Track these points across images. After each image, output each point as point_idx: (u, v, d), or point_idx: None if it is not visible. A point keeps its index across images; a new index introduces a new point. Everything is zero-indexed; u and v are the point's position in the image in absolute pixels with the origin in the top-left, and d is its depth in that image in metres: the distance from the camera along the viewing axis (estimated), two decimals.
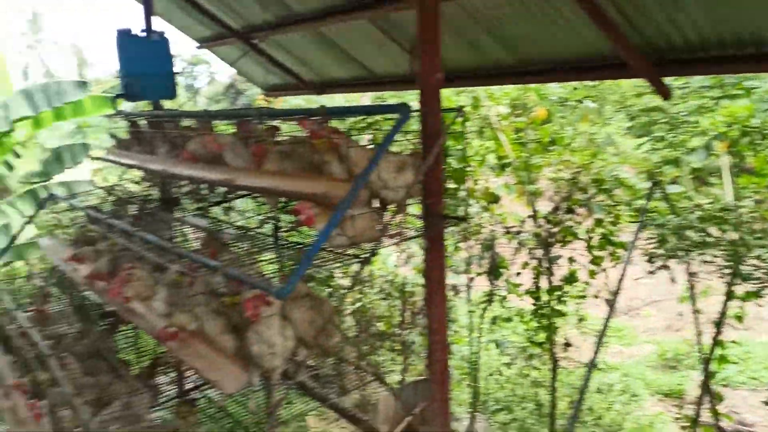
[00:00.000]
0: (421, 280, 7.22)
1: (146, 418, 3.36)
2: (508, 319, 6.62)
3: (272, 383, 2.74)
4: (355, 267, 3.85)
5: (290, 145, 3.26)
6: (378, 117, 5.60)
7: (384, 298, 7.62)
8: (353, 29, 5.26)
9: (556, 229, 5.66)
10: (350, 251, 2.97)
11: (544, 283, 5.83)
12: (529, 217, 5.87)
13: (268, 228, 4.18)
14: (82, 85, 9.28)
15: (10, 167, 9.88)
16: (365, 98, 14.68)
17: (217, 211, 4.61)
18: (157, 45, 4.83)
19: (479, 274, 6.18)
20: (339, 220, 2.47)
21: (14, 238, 5.98)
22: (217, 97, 28.50)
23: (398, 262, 7.70)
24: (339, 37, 5.56)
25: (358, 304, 5.52)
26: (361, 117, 5.80)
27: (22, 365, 4.24)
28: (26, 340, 4.06)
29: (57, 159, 9.96)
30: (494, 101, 6.32)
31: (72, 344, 4.14)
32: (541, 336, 6.08)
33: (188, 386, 3.82)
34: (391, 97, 9.80)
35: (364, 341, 3.32)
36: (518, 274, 5.96)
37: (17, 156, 9.93)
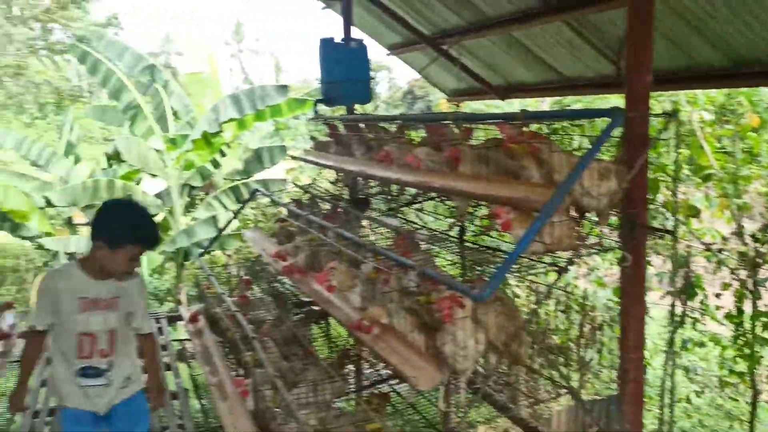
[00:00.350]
0: (603, 294, 6.90)
1: (334, 406, 3.55)
2: (701, 344, 6.11)
3: (461, 385, 2.76)
4: (546, 276, 3.77)
5: (485, 148, 3.27)
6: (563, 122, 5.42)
7: (562, 311, 7.38)
8: (545, 32, 5.15)
9: (765, 249, 5.13)
10: (545, 259, 2.91)
11: (747, 308, 5.30)
12: (733, 233, 5.37)
13: (453, 231, 4.22)
14: (283, 89, 10.03)
15: (217, 165, 10.94)
16: (544, 104, 14.34)
17: (407, 211, 4.75)
18: (357, 52, 5.09)
19: (669, 292, 5.77)
20: (540, 227, 2.43)
21: (222, 229, 6.63)
22: (396, 102, 29.39)
23: (577, 273, 7.42)
24: (529, 40, 5.48)
25: (537, 314, 5.38)
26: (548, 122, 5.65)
27: (228, 345, 4.68)
28: (232, 323, 4.47)
29: (257, 159, 10.86)
30: (696, 106, 5.86)
31: (270, 330, 4.47)
32: (742, 365, 5.53)
33: (374, 379, 3.97)
34: (574, 102, 9.48)
35: (544, 353, 3.24)
36: (718, 295, 5.48)
37: (223, 155, 10.97)
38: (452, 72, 6.97)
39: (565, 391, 2.97)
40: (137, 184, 10.78)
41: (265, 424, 3.51)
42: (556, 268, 2.78)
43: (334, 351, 4.56)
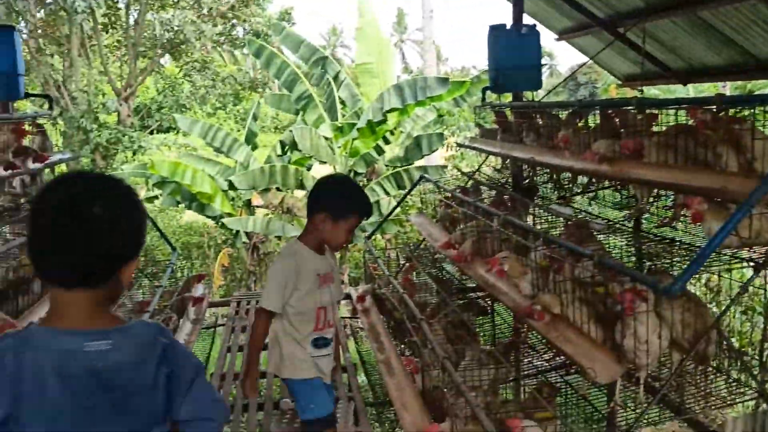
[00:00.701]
0: None
1: (498, 392, 3.57)
2: None
3: (640, 381, 2.66)
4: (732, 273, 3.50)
5: (670, 135, 3.10)
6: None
7: (743, 312, 6.79)
8: (738, 11, 4.74)
9: None
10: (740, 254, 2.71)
11: None
12: None
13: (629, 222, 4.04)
14: (444, 81, 10.17)
15: (380, 152, 11.31)
16: (725, 89, 13.22)
17: (580, 200, 4.63)
18: (528, 38, 5.01)
19: None
20: (739, 219, 2.27)
21: (389, 214, 6.88)
22: (558, 89, 28.40)
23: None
24: (719, 20, 5.06)
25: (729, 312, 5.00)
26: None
27: (393, 325, 4.86)
28: (399, 304, 4.62)
29: (417, 146, 11.07)
30: None
31: (434, 313, 4.57)
32: None
33: (540, 369, 3.93)
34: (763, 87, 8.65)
35: (732, 354, 3.00)
36: None
37: (387, 142, 11.31)
38: (626, 56, 6.62)
39: (751, 393, 2.76)
40: (308, 170, 11.44)
41: (432, 402, 3.62)
42: (752, 264, 2.58)
43: (498, 338, 4.56)
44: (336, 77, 11.18)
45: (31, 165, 4.47)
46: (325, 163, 11.25)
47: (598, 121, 3.81)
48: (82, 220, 1.37)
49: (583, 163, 3.51)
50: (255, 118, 12.23)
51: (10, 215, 4.25)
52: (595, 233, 3.39)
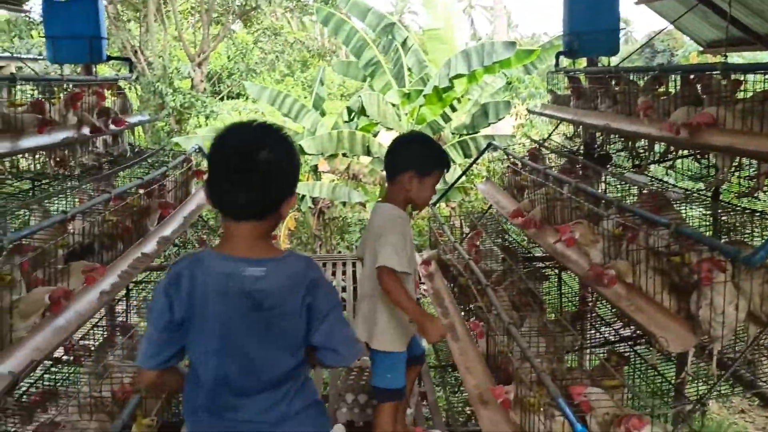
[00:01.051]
0: None
1: (564, 359, 3.54)
2: None
3: (713, 353, 2.60)
4: None
5: (756, 102, 2.95)
6: None
7: None
8: None
9: None
10: None
11: None
12: None
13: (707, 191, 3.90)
14: (511, 45, 9.96)
15: (447, 119, 11.21)
16: None
17: (656, 169, 4.49)
18: (606, 1, 4.83)
19: None
20: None
21: (455, 181, 6.84)
22: (633, 56, 27.29)
23: None
24: None
25: None
26: None
27: (457, 291, 4.87)
28: (465, 270, 4.63)
29: (484, 113, 10.92)
30: None
31: (500, 280, 4.56)
32: None
33: (611, 340, 3.89)
34: None
35: None
36: None
37: (454, 110, 11.20)
38: (710, 20, 6.29)
39: None
40: (374, 136, 11.47)
41: (496, 367, 3.64)
42: None
43: (565, 307, 4.52)
44: (404, 44, 11.11)
45: (113, 126, 4.67)
46: (391, 129, 11.25)
47: (679, 88, 3.67)
48: (251, 164, 1.63)
49: (660, 130, 3.40)
50: (321, 83, 12.29)
51: (93, 173, 4.45)
52: (672, 202, 3.29)
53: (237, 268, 1.66)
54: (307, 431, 1.76)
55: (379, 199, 2.93)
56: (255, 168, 1.64)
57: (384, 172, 9.46)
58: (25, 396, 3.26)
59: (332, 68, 13.48)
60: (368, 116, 10.69)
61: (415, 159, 2.71)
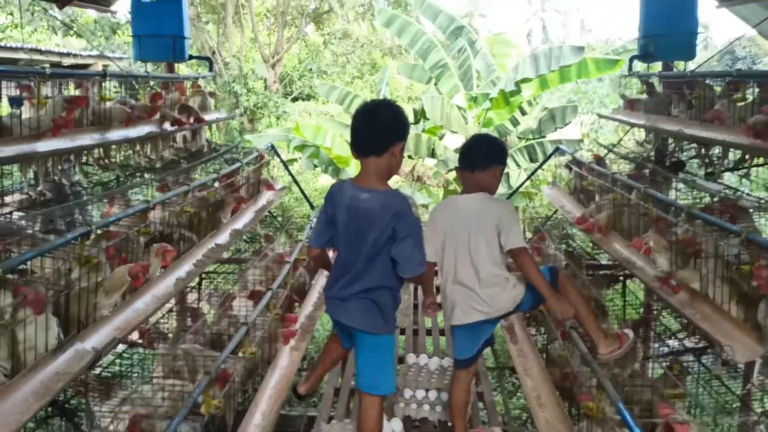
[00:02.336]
0: None
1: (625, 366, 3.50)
2: None
3: None
4: None
5: None
6: None
7: None
8: None
9: None
10: None
11: None
12: None
13: None
14: (579, 50, 9.78)
15: (515, 123, 11.13)
16: None
17: (730, 178, 4.36)
18: (684, 4, 4.73)
19: None
20: None
21: (519, 186, 6.81)
22: (712, 62, 26.24)
23: None
24: None
25: None
26: None
27: None
28: None
29: (551, 118, 10.79)
30: None
31: None
32: None
33: (675, 350, 3.81)
34: None
35: None
36: None
37: (523, 114, 11.11)
38: None
39: None
40: (440, 139, 11.51)
41: (556, 369, 3.63)
42: None
43: (628, 317, 4.45)
44: (472, 46, 11.09)
45: (192, 123, 4.91)
46: (456, 132, 11.27)
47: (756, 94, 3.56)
48: (371, 116, 2.54)
49: (735, 136, 3.32)
50: (387, 84, 12.36)
51: (173, 167, 4.69)
52: (746, 211, 3.21)
53: (356, 192, 2.51)
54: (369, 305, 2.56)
55: (459, 192, 3.04)
56: (373, 119, 2.52)
57: (449, 174, 9.42)
58: (104, 373, 3.48)
59: (397, 70, 13.56)
60: (428, 119, 10.72)
61: (500, 155, 2.99)
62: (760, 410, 2.74)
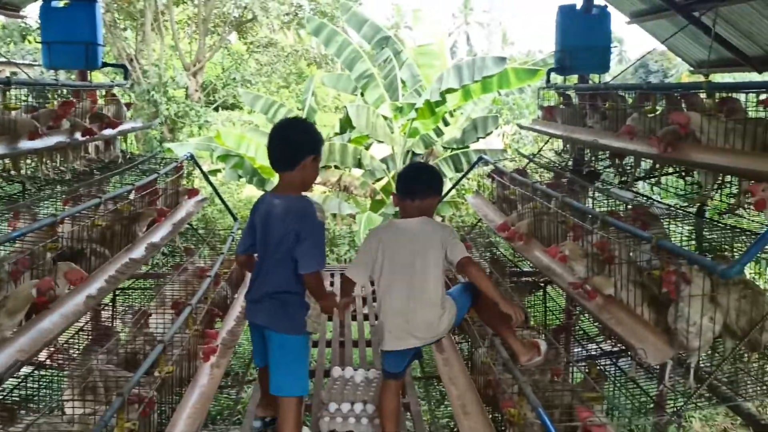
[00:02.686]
0: None
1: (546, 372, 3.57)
2: None
3: (690, 364, 2.63)
4: None
5: (740, 120, 3.02)
6: None
7: None
8: None
9: None
10: None
11: None
12: None
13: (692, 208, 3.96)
14: (501, 60, 10.04)
15: (440, 133, 11.29)
16: None
17: (642, 186, 4.54)
18: (598, 19, 4.92)
19: None
20: None
21: (444, 194, 6.87)
22: (626, 75, 27.54)
23: None
24: None
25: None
26: None
27: None
28: (451, 283, 4.66)
29: (474, 128, 11.00)
30: None
31: None
32: None
33: (593, 354, 3.92)
34: None
35: None
36: None
37: (446, 124, 11.27)
38: (700, 41, 6.39)
39: None
40: (366, 149, 11.53)
41: (480, 377, 3.66)
42: None
43: (549, 322, 4.56)
44: (398, 57, 11.18)
45: (105, 131, 4.70)
46: (382, 142, 11.31)
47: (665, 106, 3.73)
48: (282, 134, 2.79)
49: (646, 147, 3.46)
50: (313, 94, 12.26)
51: (85, 178, 4.47)
52: (656, 218, 3.34)
53: (271, 200, 2.78)
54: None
55: (398, 218, 3.08)
56: (283, 137, 2.78)
57: (375, 184, 9.44)
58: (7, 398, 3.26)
59: (322, 80, 13.51)
60: (354, 128, 10.72)
61: (439, 186, 3.09)
62: (671, 410, 2.85)
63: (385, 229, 3.08)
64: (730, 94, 3.17)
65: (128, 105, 5.49)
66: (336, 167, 11.55)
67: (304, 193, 2.83)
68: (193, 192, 5.47)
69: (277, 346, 2.78)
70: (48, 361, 3.76)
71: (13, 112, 3.79)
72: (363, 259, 2.95)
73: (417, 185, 2.98)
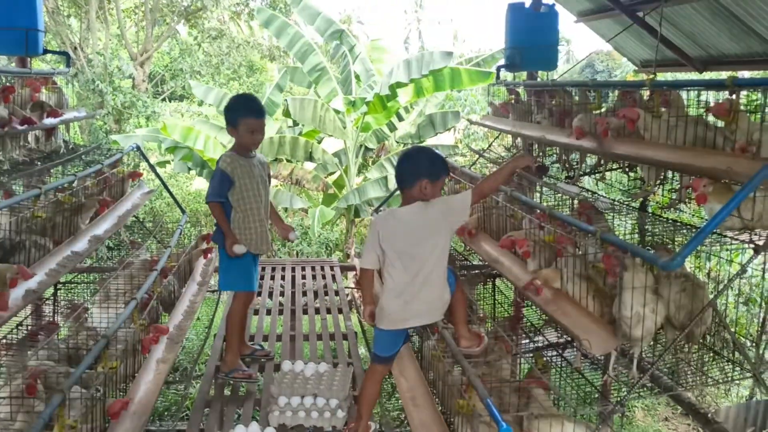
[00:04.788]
0: None
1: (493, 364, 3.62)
2: None
3: (634, 354, 2.71)
4: (734, 257, 3.53)
5: (676, 116, 3.12)
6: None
7: (744, 303, 6.82)
8: None
9: None
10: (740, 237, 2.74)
11: None
12: None
13: (636, 202, 4.07)
14: (447, 55, 10.11)
15: (393, 128, 11.30)
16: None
17: (588, 181, 4.64)
18: (546, 18, 5.00)
19: None
20: (742, 199, 2.30)
21: (394, 190, 6.88)
22: (573, 74, 28.11)
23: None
24: (740, 8, 5.03)
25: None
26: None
27: None
28: None
29: (430, 124, 11.06)
30: None
31: None
32: None
33: (541, 345, 4.00)
34: None
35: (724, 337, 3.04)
36: None
37: (400, 119, 11.29)
38: (645, 41, 6.58)
39: (743, 374, 2.81)
40: (319, 143, 11.45)
41: (430, 370, 3.69)
42: (752, 246, 2.61)
43: (500, 312, 4.62)
44: (352, 51, 11.13)
45: (46, 120, 4.53)
46: (331, 136, 11.24)
47: (612, 104, 3.82)
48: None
49: (591, 142, 3.54)
50: (281, 89, 12.03)
51: (24, 169, 4.30)
52: (601, 212, 3.42)
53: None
54: None
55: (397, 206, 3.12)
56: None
57: (327, 177, 9.46)
58: None
59: (278, 72, 13.31)
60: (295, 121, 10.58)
61: (427, 168, 2.95)
62: (615, 400, 2.92)
63: (384, 218, 3.10)
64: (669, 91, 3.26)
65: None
66: (288, 161, 11.45)
67: None
68: (135, 174, 5.31)
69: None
70: None
71: None
72: (369, 247, 3.02)
73: (400, 174, 3.00)
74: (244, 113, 3.66)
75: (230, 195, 3.68)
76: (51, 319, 4.38)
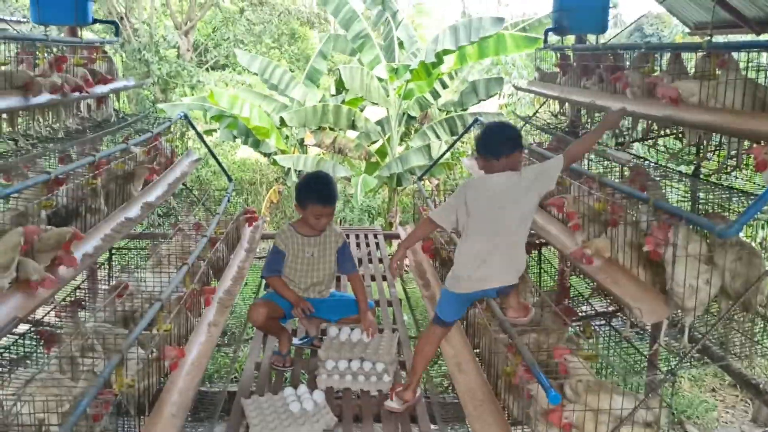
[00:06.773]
0: None
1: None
2: None
3: (686, 325, 2.67)
4: None
5: (734, 79, 2.99)
6: None
7: None
8: None
9: None
10: None
11: None
12: None
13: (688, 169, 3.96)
14: (498, 21, 9.91)
15: (436, 96, 11.18)
16: None
17: (639, 148, 4.52)
18: None
19: None
20: None
21: (439, 158, 6.86)
22: (621, 37, 27.24)
23: None
24: None
25: None
26: None
27: (438, 265, 4.92)
28: (447, 244, 4.67)
29: (473, 90, 10.90)
30: None
31: None
32: None
33: (591, 314, 3.97)
34: None
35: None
36: None
37: (444, 87, 11.15)
38: (699, 2, 6.32)
39: None
40: (361, 111, 11.42)
41: (473, 336, 3.71)
42: None
43: (545, 282, 4.59)
44: (394, 17, 11.00)
45: (97, 88, 4.62)
46: (376, 104, 11.18)
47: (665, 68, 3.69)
48: None
49: (644, 107, 3.44)
50: (324, 56, 11.97)
51: (77, 137, 4.41)
52: (654, 180, 3.34)
53: None
54: None
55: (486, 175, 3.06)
56: None
57: (370, 146, 9.49)
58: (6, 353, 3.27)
59: (319, 41, 13.25)
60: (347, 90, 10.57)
61: (520, 140, 3.07)
62: (665, 369, 2.89)
63: (475, 183, 3.11)
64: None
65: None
66: (331, 129, 11.46)
67: None
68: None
69: None
70: (45, 319, 3.77)
71: (3, 67, 3.71)
72: (450, 208, 3.04)
73: (501, 141, 3.00)
74: (314, 200, 3.69)
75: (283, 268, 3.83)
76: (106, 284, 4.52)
